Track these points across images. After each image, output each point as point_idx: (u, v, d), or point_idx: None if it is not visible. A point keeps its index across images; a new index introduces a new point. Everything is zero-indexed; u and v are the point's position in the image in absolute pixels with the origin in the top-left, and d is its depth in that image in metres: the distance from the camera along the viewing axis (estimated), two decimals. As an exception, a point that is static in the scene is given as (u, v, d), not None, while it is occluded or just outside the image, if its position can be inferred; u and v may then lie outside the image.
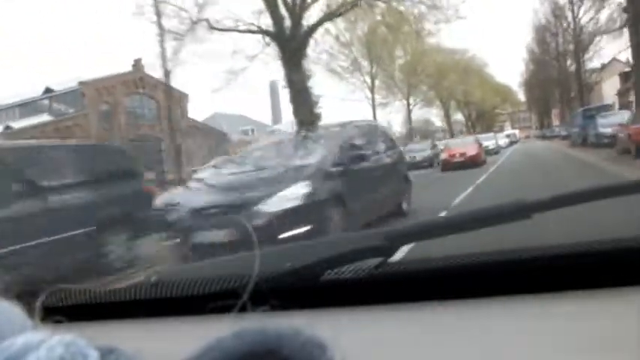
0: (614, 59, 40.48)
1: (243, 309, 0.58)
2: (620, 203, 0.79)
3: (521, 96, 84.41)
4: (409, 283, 0.69)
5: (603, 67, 46.75)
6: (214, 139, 43.11)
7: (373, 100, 33.85)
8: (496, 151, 31.31)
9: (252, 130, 55.62)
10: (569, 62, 44.69)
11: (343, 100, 44.61)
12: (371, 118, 31.13)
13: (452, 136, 50.19)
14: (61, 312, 0.65)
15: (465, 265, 0.68)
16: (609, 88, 44.98)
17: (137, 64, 37.06)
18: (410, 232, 0.79)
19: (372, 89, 34.10)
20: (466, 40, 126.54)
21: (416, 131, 74.61)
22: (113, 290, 0.82)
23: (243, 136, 52.83)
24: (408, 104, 41.81)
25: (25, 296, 0.69)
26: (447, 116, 64.84)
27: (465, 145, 21.57)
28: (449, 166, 19.88)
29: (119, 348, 0.32)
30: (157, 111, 39.68)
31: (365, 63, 35.08)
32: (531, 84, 67.75)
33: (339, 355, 0.33)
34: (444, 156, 21.18)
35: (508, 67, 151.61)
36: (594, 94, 49.88)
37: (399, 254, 0.72)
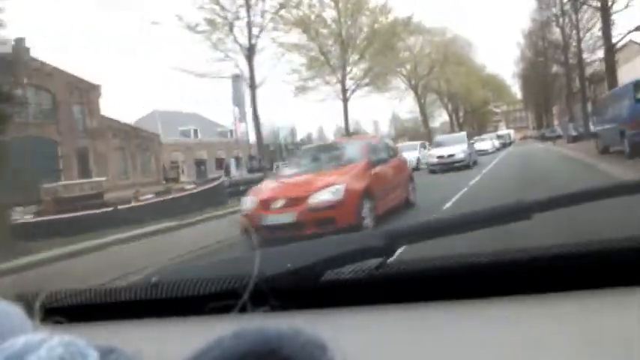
0: (630, 41, 31.76)
1: (243, 309, 0.58)
2: (620, 203, 0.79)
3: (516, 90, 75.10)
4: (409, 283, 0.69)
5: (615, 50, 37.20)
6: (142, 142, 34.27)
7: (252, 76, 18.70)
8: (468, 164, 19.85)
9: (195, 131, 47.77)
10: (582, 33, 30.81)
11: (202, 77, 23.67)
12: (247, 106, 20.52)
13: (430, 140, 35.66)
14: (61, 312, 0.65)
15: (465, 265, 0.68)
16: (627, 75, 33.39)
17: (18, 44, 25.40)
18: (410, 232, 0.79)
19: (248, 57, 18.86)
20: (449, 23, 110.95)
21: (402, 132, 63.45)
22: (113, 290, 0.82)
23: (183, 137, 45.79)
24: (344, 89, 26.72)
25: (25, 297, 0.70)
26: (423, 113, 51.44)
27: (311, 177, 7.54)
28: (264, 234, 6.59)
29: (119, 348, 0.32)
30: (52, 106, 30.40)
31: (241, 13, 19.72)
32: (528, 77, 57.95)
33: (339, 355, 0.33)
34: (249, 204, 7.34)
35: (500, 57, 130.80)
36: (605, 85, 38.81)
37: (399, 254, 0.72)
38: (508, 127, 78.88)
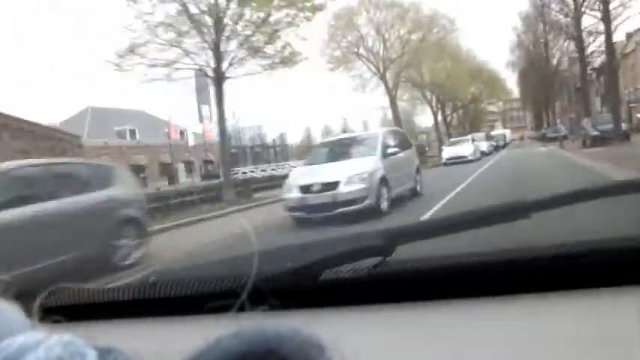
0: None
1: (241, 309, 0.58)
2: (620, 203, 0.79)
3: (511, 85, 64.99)
4: (408, 282, 0.69)
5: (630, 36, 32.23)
6: (55, 144, 24.95)
7: None
8: (375, 204, 8.52)
9: (132, 132, 40.94)
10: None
11: None
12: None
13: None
14: (60, 312, 0.65)
15: (465, 264, 0.68)
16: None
17: None
18: (409, 231, 0.79)
19: None
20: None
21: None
22: (112, 290, 0.82)
23: (117, 139, 39.02)
24: (218, 61, 15.72)
25: (23, 296, 0.70)
26: (395, 109, 39.37)
27: None
28: None
29: (117, 348, 0.32)
30: None
31: None
32: (526, 69, 49.76)
33: (337, 355, 0.33)
34: None
35: (492, 44, 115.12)
36: (622, 74, 32.95)
37: (398, 254, 0.72)
38: (505, 128, 70.46)
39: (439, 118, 50.02)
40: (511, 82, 65.73)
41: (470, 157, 24.73)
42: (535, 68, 45.35)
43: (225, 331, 0.33)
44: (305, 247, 0.82)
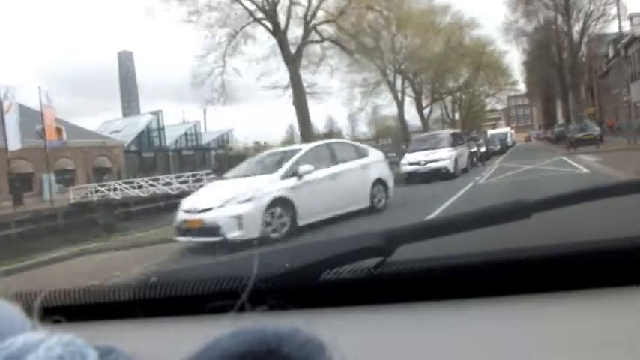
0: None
1: (241, 309, 0.58)
2: (620, 203, 0.79)
3: (511, 60, 48.27)
4: (408, 283, 0.69)
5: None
6: None
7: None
8: None
9: None
10: None
11: None
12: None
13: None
14: (60, 312, 0.65)
15: (465, 265, 0.68)
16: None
17: None
18: (409, 232, 0.79)
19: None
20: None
21: (385, 132, 39.06)
22: (112, 290, 0.82)
23: None
24: None
25: (24, 296, 0.70)
26: (296, 89, 23.63)
27: None
28: None
29: (118, 348, 0.32)
30: None
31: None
32: (533, 39, 33.94)
33: (337, 355, 0.33)
34: None
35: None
36: None
37: (399, 254, 0.72)
38: (507, 126, 57.73)
39: (420, 111, 34.80)
40: (510, 58, 47.75)
41: (229, 234, 7.13)
42: (548, 37, 30.91)
43: (225, 331, 0.33)
44: (305, 248, 0.82)
